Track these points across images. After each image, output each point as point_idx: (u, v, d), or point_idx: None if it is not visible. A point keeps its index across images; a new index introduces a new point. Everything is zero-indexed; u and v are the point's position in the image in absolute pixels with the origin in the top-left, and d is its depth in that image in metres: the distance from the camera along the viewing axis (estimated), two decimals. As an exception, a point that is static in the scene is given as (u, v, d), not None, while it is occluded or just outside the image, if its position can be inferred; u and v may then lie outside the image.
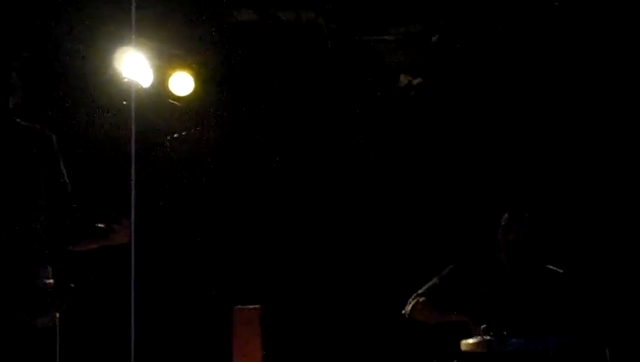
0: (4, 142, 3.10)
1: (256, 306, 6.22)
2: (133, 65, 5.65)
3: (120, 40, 5.54)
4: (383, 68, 5.97)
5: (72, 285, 3.09)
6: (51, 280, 3.04)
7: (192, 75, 5.98)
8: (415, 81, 5.97)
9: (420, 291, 4.59)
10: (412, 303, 4.56)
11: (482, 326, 4.18)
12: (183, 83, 5.98)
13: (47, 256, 3.07)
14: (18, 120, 3.18)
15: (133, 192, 3.84)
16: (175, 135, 4.67)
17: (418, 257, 6.03)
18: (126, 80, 5.60)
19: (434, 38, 5.66)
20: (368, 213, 6.43)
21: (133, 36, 5.51)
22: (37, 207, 3.08)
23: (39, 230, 3.06)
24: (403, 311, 4.59)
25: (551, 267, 4.63)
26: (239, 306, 6.24)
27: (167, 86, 5.95)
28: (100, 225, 3.19)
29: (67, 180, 3.21)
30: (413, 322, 4.61)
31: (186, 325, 6.35)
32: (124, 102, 5.58)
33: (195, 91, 6.01)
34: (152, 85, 5.75)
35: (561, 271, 4.62)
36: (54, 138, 3.21)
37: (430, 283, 4.62)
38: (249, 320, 6.22)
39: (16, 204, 3.03)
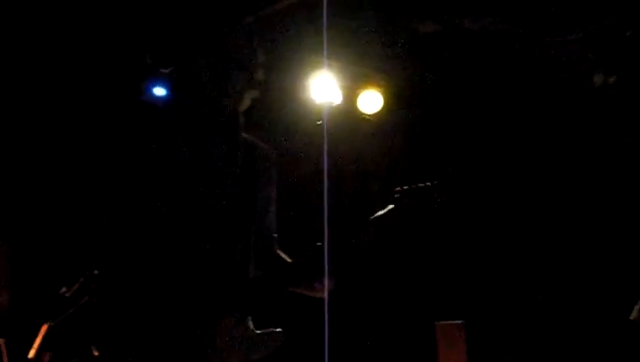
0: (228, 154, 2.56)
1: (459, 321, 6.06)
2: (324, 87, 5.78)
3: (310, 65, 5.67)
4: (575, 69, 5.74)
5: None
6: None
7: (380, 92, 6.02)
8: (611, 80, 5.69)
9: None
10: None
11: None
12: (371, 101, 6.04)
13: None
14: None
15: (325, 212, 3.79)
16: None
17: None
18: (318, 102, 5.73)
19: (628, 33, 5.38)
20: (581, 219, 6.13)
21: (325, 60, 5.61)
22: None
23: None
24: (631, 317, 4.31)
25: None
26: (441, 322, 6.12)
27: (356, 105, 6.02)
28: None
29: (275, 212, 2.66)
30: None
31: (387, 342, 6.34)
32: (319, 122, 5.66)
33: (383, 108, 6.04)
34: (342, 105, 5.85)
35: None
36: (274, 155, 2.71)
37: None
38: (452, 336, 6.09)
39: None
